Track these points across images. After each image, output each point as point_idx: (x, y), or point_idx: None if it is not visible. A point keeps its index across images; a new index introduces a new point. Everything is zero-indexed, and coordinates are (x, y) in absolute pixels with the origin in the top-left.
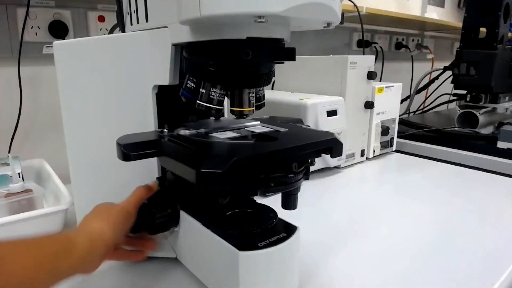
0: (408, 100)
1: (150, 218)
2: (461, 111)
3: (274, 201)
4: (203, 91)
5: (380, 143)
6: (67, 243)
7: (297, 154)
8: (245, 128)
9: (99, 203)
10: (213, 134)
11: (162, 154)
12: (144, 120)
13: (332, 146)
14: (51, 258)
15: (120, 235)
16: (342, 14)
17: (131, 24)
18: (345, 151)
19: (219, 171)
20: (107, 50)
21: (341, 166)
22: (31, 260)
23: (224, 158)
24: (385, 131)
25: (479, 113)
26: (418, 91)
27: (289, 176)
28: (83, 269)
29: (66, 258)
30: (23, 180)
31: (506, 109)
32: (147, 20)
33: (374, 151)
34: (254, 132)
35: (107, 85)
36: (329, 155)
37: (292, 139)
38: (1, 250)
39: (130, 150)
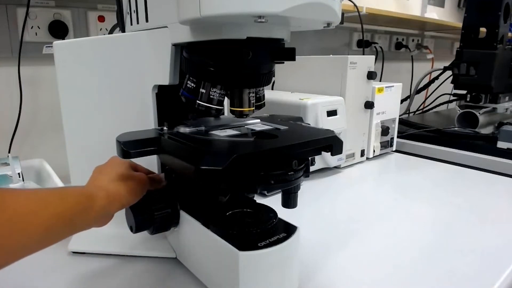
0: (408, 100)
1: (150, 217)
2: (461, 111)
3: (274, 201)
4: (203, 91)
5: (380, 143)
6: (87, 200)
7: (297, 151)
8: (245, 126)
9: (114, 160)
10: (213, 132)
11: (162, 151)
12: (144, 120)
13: (332, 143)
14: (71, 214)
15: (135, 200)
16: (342, 14)
17: (131, 24)
18: (345, 151)
19: (219, 168)
20: (107, 50)
21: (341, 166)
22: (53, 216)
23: (223, 155)
24: (385, 131)
25: (479, 113)
26: (418, 91)
27: (289, 173)
28: (96, 225)
29: (85, 214)
30: (23, 180)
31: (506, 109)
32: (147, 20)
33: (374, 151)
34: (254, 130)
35: (107, 85)
36: (329, 155)
37: (292, 136)
38: (25, 203)
39: (130, 147)
